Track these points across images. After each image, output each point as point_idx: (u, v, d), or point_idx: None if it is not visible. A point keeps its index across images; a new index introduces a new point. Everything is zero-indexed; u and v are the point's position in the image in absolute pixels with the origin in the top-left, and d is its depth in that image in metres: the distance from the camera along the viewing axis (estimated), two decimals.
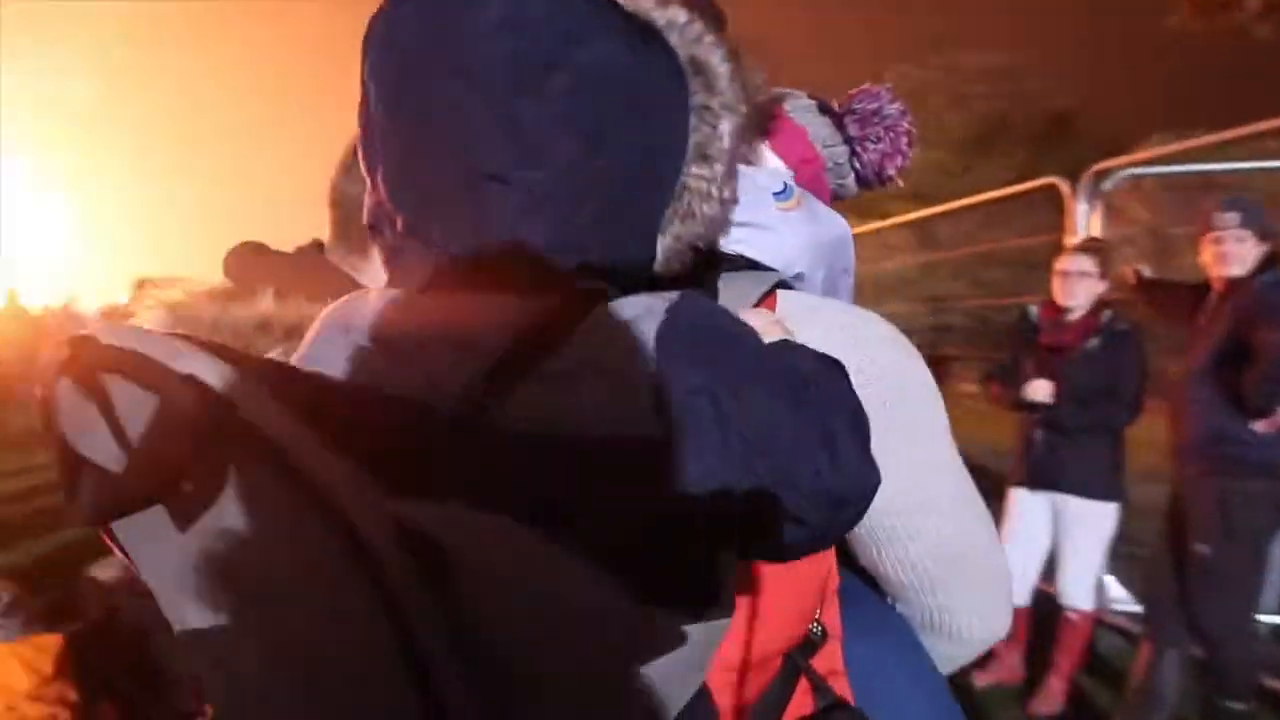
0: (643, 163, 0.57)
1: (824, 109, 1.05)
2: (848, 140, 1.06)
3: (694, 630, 0.48)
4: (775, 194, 0.86)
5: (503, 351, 0.53)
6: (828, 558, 0.70)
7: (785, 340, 0.57)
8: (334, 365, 0.56)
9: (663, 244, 0.61)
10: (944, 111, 18.76)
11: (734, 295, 0.73)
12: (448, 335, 0.55)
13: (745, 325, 0.54)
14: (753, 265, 0.77)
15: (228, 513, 0.46)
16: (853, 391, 0.53)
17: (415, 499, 0.46)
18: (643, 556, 0.48)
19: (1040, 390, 3.11)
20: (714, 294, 0.73)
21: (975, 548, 0.76)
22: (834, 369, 0.54)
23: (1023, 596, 3.23)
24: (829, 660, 0.70)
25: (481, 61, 0.54)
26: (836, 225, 0.91)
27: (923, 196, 8.56)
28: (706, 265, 0.75)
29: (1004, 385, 3.27)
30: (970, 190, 6.50)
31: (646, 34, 0.58)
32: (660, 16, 0.59)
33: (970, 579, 0.77)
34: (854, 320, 0.73)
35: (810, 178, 1.01)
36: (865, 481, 0.50)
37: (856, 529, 0.72)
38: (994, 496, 3.16)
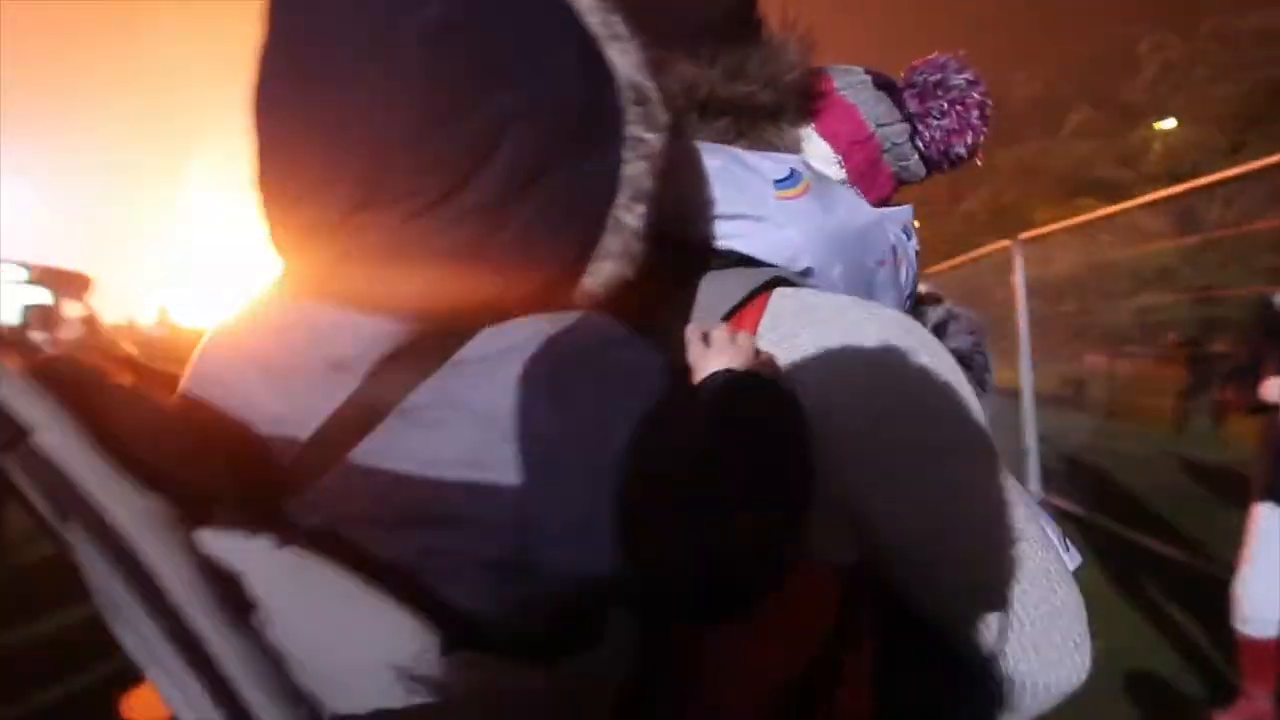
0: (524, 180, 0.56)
1: (881, 84, 0.94)
2: (908, 117, 0.94)
3: (541, 678, 0.50)
4: (777, 181, 0.77)
5: (367, 380, 0.54)
6: (808, 602, 0.66)
7: (720, 373, 0.60)
8: (218, 381, 0.60)
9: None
10: (1210, 84, 16.69)
11: (716, 295, 0.72)
12: (318, 357, 0.56)
13: (626, 356, 0.56)
14: (748, 260, 0.74)
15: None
16: (737, 448, 0.54)
17: (222, 532, 0.50)
18: (479, 603, 0.50)
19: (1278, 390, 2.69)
20: (692, 295, 0.72)
21: (1022, 579, 0.65)
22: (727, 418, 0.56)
23: (1271, 627, 2.83)
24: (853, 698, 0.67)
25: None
26: (860, 214, 0.82)
27: (1183, 179, 7.67)
28: (690, 263, 0.72)
29: (1241, 386, 2.87)
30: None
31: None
32: None
33: (1021, 618, 0.66)
34: (853, 323, 0.68)
35: (863, 161, 0.91)
36: (617, 565, 0.50)
37: (881, 564, 0.67)
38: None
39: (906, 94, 0.96)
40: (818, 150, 0.90)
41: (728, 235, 0.75)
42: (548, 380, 0.52)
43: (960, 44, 1.00)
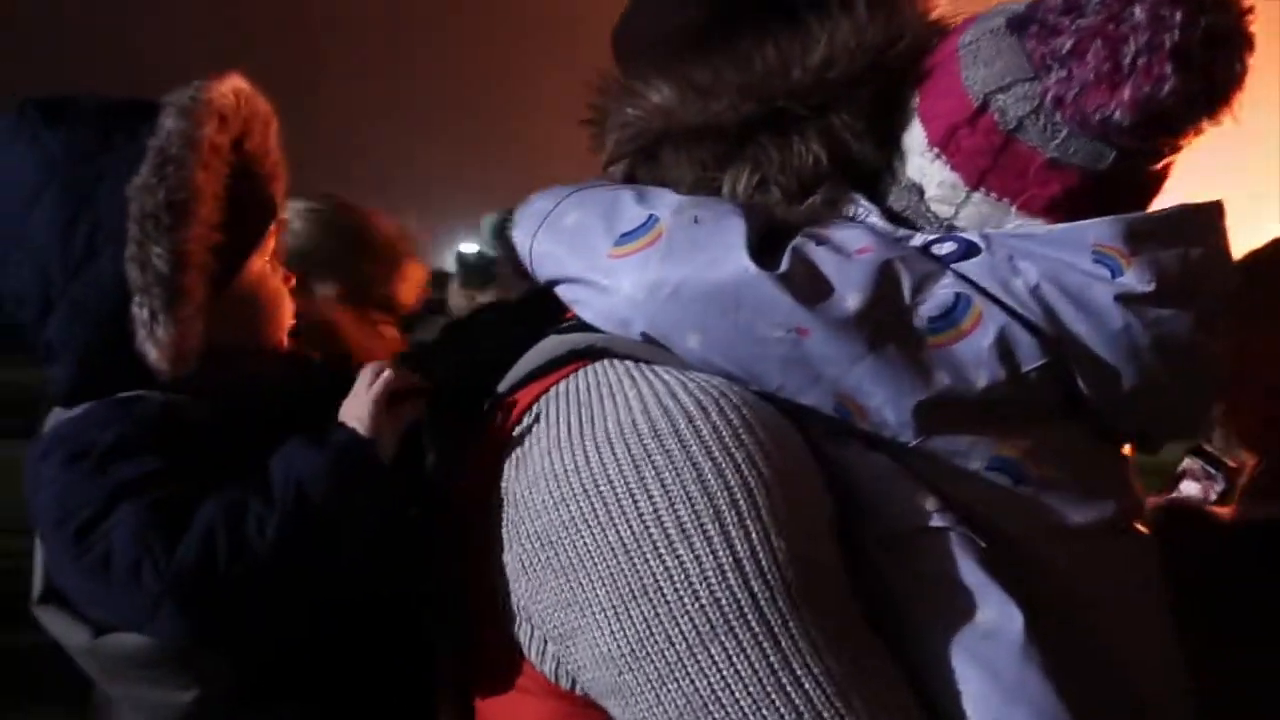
0: None
1: (1019, 23, 0.65)
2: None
3: None
4: (622, 234, 0.66)
5: None
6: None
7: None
8: None
9: None
10: None
11: (521, 367, 0.70)
12: None
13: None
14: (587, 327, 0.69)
15: None
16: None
17: None
18: None
19: None
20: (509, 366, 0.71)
21: None
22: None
23: None
24: None
25: None
26: (729, 264, 0.61)
27: None
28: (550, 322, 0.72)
29: None
30: None
31: None
32: None
33: None
34: (592, 421, 0.61)
35: (975, 150, 0.65)
36: None
37: None
38: None
39: (1028, 34, 0.64)
40: (915, 143, 0.68)
41: (572, 300, 0.69)
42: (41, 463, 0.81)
43: None
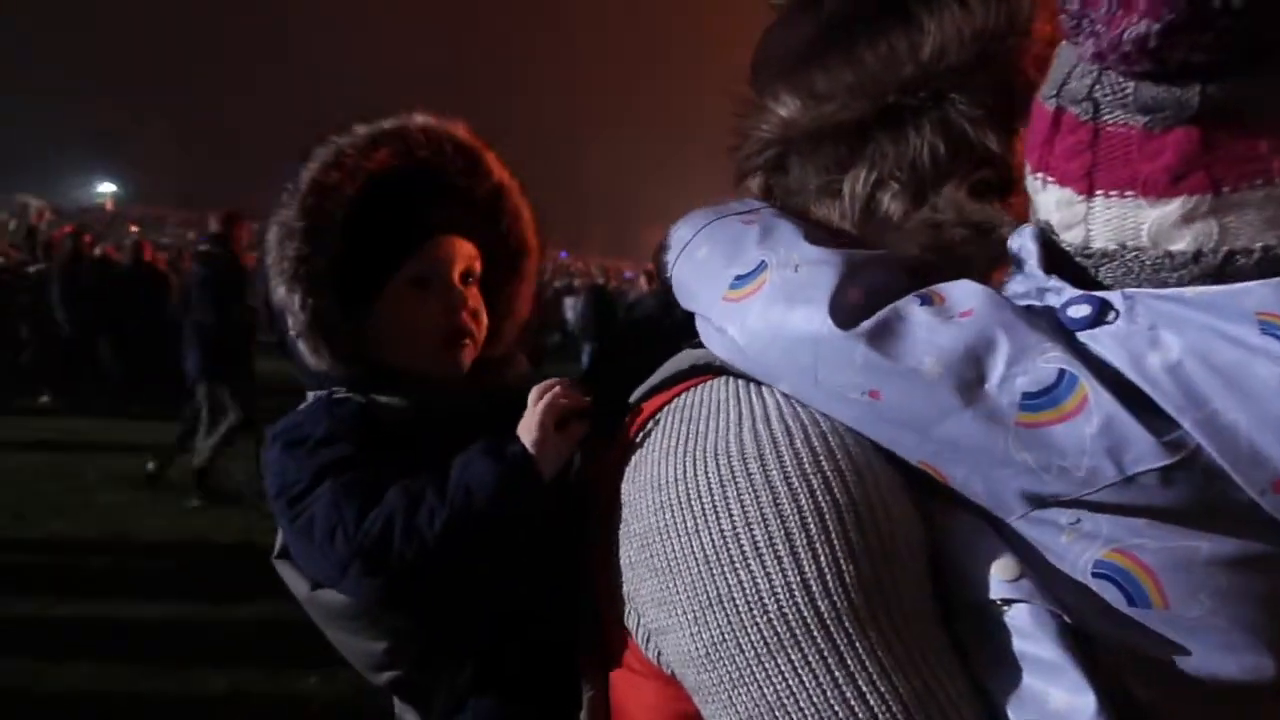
0: None
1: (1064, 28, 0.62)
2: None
3: None
4: (737, 278, 0.67)
5: None
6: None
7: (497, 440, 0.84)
8: None
9: None
10: None
11: (654, 378, 0.76)
12: None
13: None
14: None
15: None
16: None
17: None
18: None
19: None
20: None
21: None
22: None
23: None
24: None
25: None
26: (810, 319, 0.60)
27: None
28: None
29: None
30: None
31: None
32: None
33: None
34: (682, 440, 0.67)
35: (1073, 153, 0.61)
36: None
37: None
38: None
39: (1066, 28, 0.61)
40: (1031, 186, 0.68)
41: (700, 331, 0.73)
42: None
43: None
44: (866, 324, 0.59)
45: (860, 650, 0.57)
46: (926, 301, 0.60)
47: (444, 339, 1.02)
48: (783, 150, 0.76)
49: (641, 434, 0.72)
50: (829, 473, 0.60)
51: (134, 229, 27.68)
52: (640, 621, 0.69)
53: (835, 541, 0.58)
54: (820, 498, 0.59)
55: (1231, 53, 0.53)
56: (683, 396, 0.70)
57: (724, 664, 0.60)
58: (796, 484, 0.59)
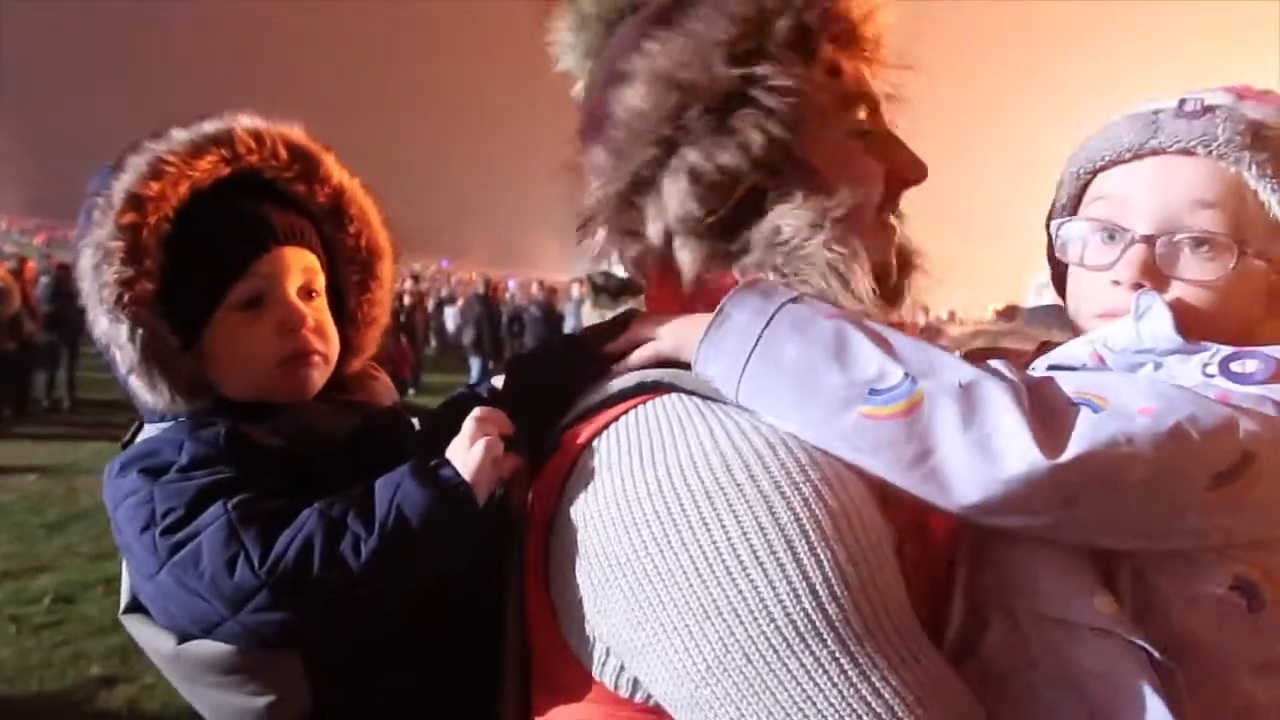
0: None
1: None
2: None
3: None
4: (873, 391, 0.65)
5: None
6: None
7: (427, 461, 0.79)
8: None
9: None
10: None
11: (589, 399, 0.75)
12: None
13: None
14: None
15: None
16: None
17: None
18: None
19: None
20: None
21: None
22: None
23: None
24: None
25: None
26: (1018, 456, 0.63)
27: None
28: None
29: None
30: None
31: None
32: None
33: None
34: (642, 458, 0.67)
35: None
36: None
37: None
38: None
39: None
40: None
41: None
42: None
43: None
44: (1069, 453, 0.63)
45: (869, 647, 0.59)
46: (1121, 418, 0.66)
47: (281, 361, 0.94)
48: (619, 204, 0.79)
49: (589, 453, 0.69)
50: (817, 481, 0.62)
51: None
52: (610, 650, 0.67)
53: (834, 545, 0.61)
54: (814, 505, 0.61)
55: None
56: (634, 412, 0.69)
57: (731, 674, 0.59)
58: (789, 492, 0.61)
